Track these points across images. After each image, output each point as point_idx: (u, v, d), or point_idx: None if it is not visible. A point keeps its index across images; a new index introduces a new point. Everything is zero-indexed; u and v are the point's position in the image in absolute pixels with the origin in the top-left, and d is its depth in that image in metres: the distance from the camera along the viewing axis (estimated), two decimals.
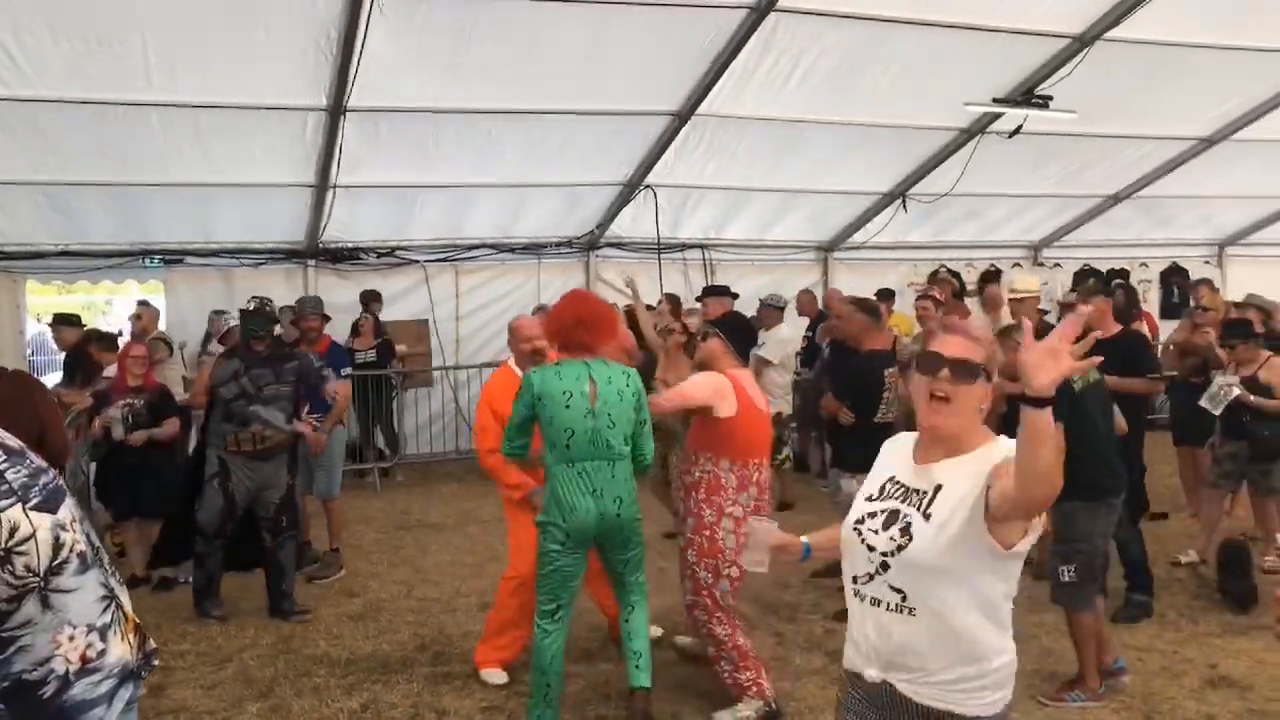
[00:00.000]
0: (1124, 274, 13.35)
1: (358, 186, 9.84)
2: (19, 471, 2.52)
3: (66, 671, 2.49)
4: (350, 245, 11.06)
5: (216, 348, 9.65)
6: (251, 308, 6.63)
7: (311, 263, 11.06)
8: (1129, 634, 5.79)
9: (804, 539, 2.92)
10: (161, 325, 10.08)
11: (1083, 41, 8.73)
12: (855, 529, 2.57)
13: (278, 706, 5.05)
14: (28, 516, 2.46)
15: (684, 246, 12.01)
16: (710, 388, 4.94)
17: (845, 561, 2.62)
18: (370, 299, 10.98)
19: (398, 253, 11.31)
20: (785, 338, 9.40)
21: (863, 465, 6.21)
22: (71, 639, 2.52)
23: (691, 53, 8.59)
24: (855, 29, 8.41)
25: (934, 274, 12.74)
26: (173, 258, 10.63)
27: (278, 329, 7.05)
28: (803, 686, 5.19)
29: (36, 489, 2.54)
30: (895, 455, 2.67)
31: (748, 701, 4.83)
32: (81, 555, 2.60)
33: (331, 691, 5.21)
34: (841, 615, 6.06)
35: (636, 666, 4.68)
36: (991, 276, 13.10)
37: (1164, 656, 5.54)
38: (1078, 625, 5.02)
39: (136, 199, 9.70)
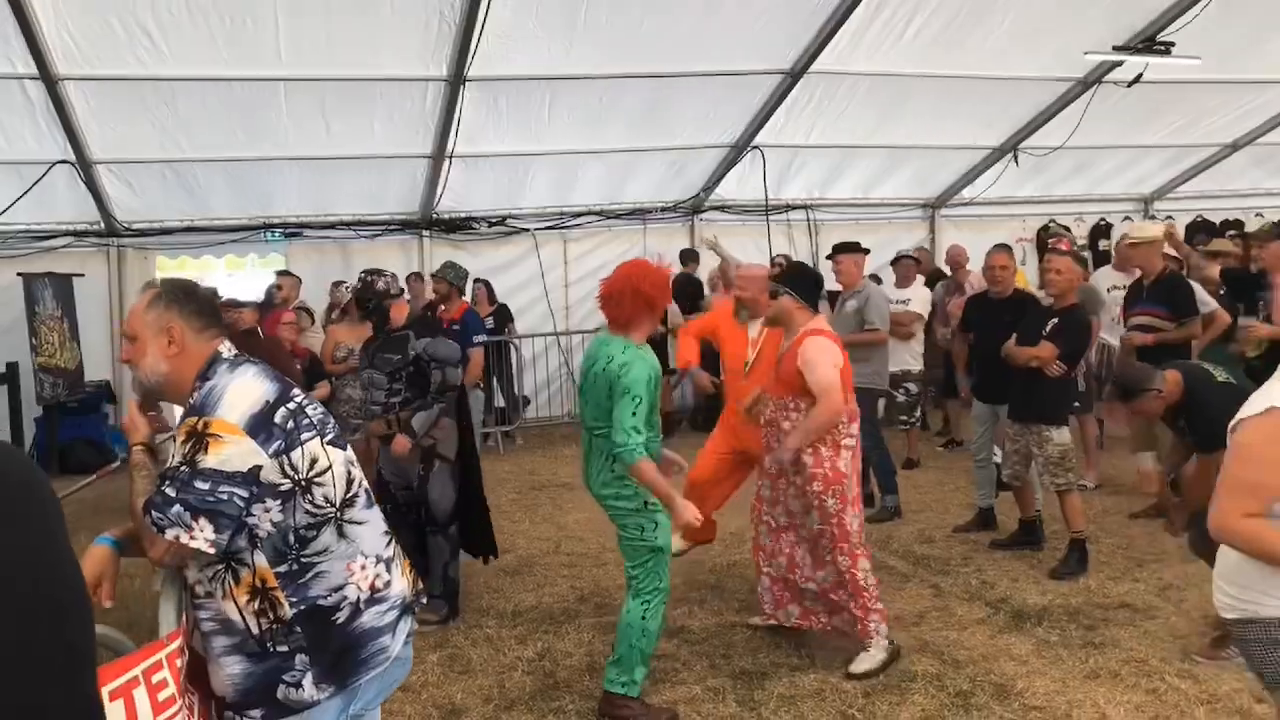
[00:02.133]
0: (1239, 225, 13.01)
1: (473, 156, 10.00)
2: (316, 408, 2.68)
3: (358, 599, 2.64)
4: (463, 215, 11.23)
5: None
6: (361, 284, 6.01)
7: (426, 233, 11.25)
8: None
9: None
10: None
11: None
12: None
13: (456, 656, 5.22)
14: (325, 450, 2.61)
15: (789, 208, 11.99)
16: (830, 357, 4.90)
17: None
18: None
19: (508, 221, 11.45)
20: (926, 295, 9.33)
21: (1064, 413, 6.22)
22: (363, 568, 2.67)
23: (805, 10, 8.56)
24: None
25: (1044, 229, 12.61)
26: (292, 231, 10.89)
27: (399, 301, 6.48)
28: (971, 636, 5.21)
29: (330, 425, 2.69)
30: None
31: (871, 648, 4.83)
32: (368, 491, 2.75)
33: (505, 641, 5.37)
34: (1056, 574, 6.03)
35: (616, 663, 4.57)
36: (1101, 231, 12.93)
37: None
38: None
39: (259, 174, 9.97)
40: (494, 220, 11.44)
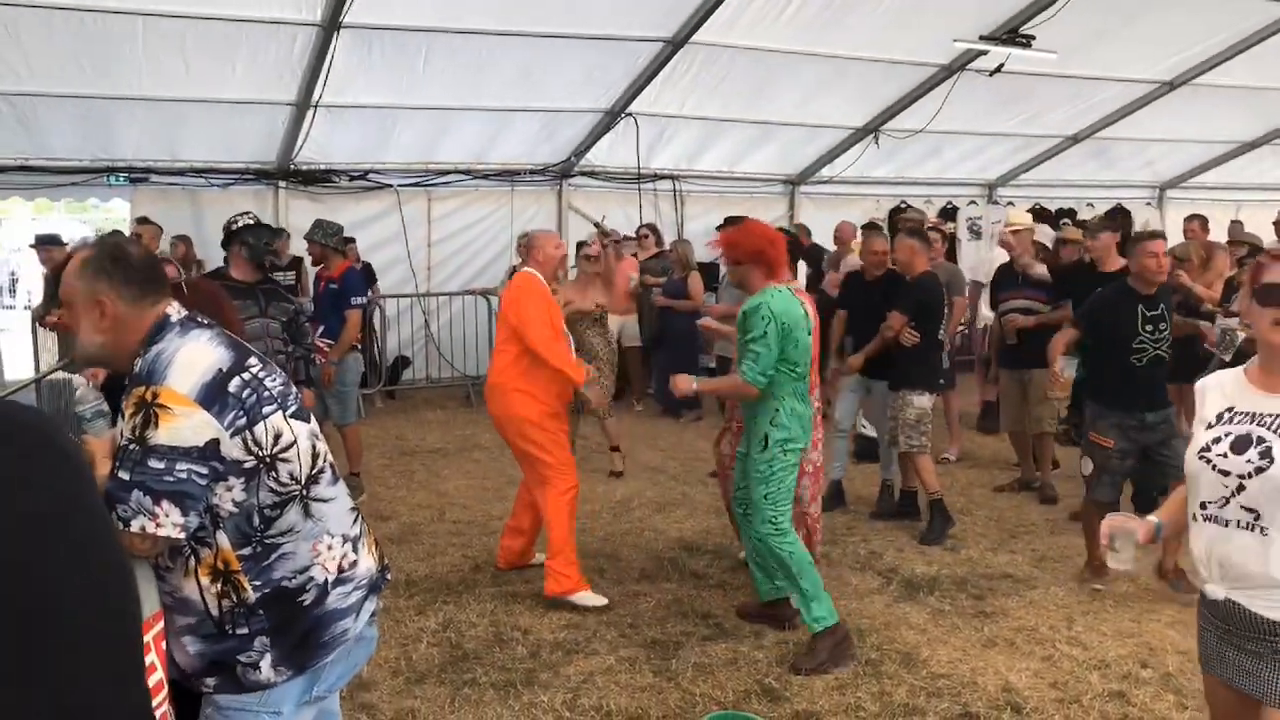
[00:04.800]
0: (1071, 213, 13.76)
1: (340, 106, 9.56)
2: (275, 379, 2.50)
3: (325, 580, 2.50)
4: (323, 167, 10.76)
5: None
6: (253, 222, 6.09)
7: (283, 184, 10.73)
8: None
9: (1153, 519, 2.99)
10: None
11: None
12: (1202, 457, 2.72)
13: None
14: (289, 424, 2.45)
15: (656, 177, 11.99)
16: None
17: (1190, 491, 2.77)
18: None
19: (371, 176, 11.05)
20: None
21: (928, 382, 6.48)
22: (330, 548, 2.53)
23: None
24: None
25: (897, 209, 13.02)
26: (138, 175, 10.20)
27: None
28: (869, 605, 5.37)
29: (291, 397, 2.52)
30: (1225, 388, 2.81)
31: None
32: (332, 466, 2.59)
33: (404, 612, 5.21)
34: (925, 539, 6.28)
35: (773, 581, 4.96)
36: (948, 214, 13.45)
37: None
38: None
39: (106, 112, 9.26)
40: (356, 174, 11.01)
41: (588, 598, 5.28)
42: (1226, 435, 2.70)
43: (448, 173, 11.29)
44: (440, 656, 4.74)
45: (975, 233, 13.52)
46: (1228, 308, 7.17)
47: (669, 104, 10.57)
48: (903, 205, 13.12)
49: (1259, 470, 2.59)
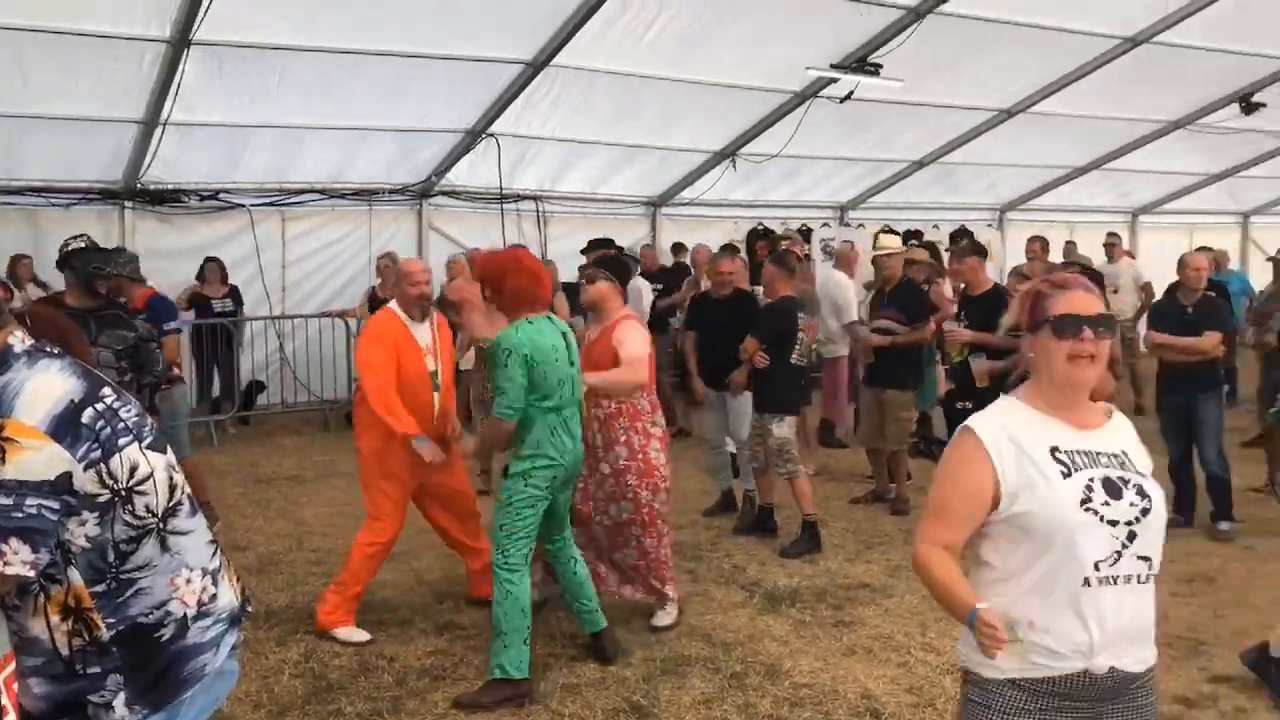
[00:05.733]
0: (918, 234, 14.29)
1: (190, 124, 9.29)
2: (130, 410, 2.43)
3: (183, 615, 2.44)
4: (172, 187, 10.41)
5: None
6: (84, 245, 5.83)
7: (129, 204, 10.34)
8: None
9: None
10: None
11: (917, 14, 9.29)
12: (1087, 509, 2.30)
13: None
14: (145, 455, 2.39)
15: (519, 198, 12.00)
16: (643, 338, 5.40)
17: (1063, 551, 2.31)
18: None
19: (222, 196, 10.74)
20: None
21: (788, 406, 6.61)
22: (189, 582, 2.46)
23: (552, 2, 8.59)
24: None
25: (754, 231, 13.33)
26: None
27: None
28: (733, 618, 5.47)
29: (147, 428, 2.46)
30: (1030, 429, 2.41)
31: (669, 607, 5.37)
32: (190, 498, 2.54)
33: (264, 644, 5.06)
34: (786, 554, 6.40)
35: (595, 613, 4.94)
36: (804, 235, 13.84)
37: None
38: None
39: None
40: (206, 194, 10.69)
41: (352, 633, 5.17)
42: (1093, 480, 2.34)
43: (303, 192, 11.08)
44: (303, 688, 4.63)
45: (829, 254, 13.92)
46: None
47: (531, 125, 10.61)
48: (760, 227, 13.44)
49: (1145, 512, 2.33)
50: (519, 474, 4.56)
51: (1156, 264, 12.49)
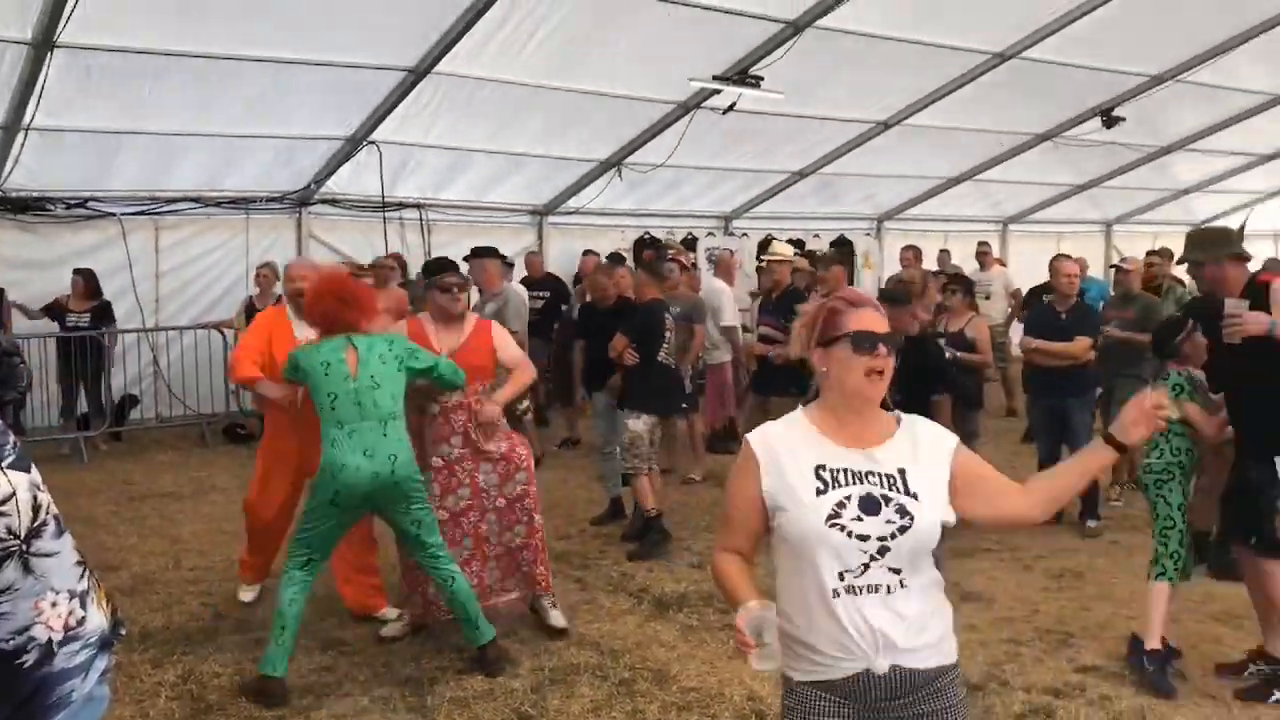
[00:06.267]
0: (800, 243, 14.61)
1: (56, 130, 8.95)
2: None
3: (49, 640, 2.35)
4: (36, 195, 9.99)
5: None
6: None
7: None
8: None
9: (754, 603, 2.42)
10: None
11: (797, 27, 9.49)
12: (834, 524, 2.41)
13: None
14: (6, 475, 2.29)
15: (402, 206, 11.86)
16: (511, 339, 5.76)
17: (813, 561, 2.42)
18: None
19: (91, 204, 10.35)
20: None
21: (648, 404, 6.73)
22: (54, 605, 2.37)
23: (434, 10, 8.52)
24: (597, 0, 8.73)
25: (641, 240, 13.42)
26: None
27: None
28: (622, 626, 5.50)
29: (8, 446, 2.36)
30: (804, 443, 2.52)
31: (556, 605, 5.50)
32: (57, 518, 2.45)
33: (139, 666, 4.89)
34: (634, 555, 6.49)
35: (477, 626, 4.92)
36: (689, 244, 14.02)
37: None
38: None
39: None
40: (74, 202, 10.29)
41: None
42: (848, 498, 2.43)
43: (176, 200, 10.76)
44: (181, 711, 4.50)
45: (714, 263, 14.11)
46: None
47: (414, 133, 10.50)
48: (646, 236, 13.53)
49: (903, 530, 2.41)
50: (314, 483, 4.74)
51: (1026, 271, 13.05)
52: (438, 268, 5.55)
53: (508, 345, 5.52)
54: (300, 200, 11.43)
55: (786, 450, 2.51)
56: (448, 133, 10.62)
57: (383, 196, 11.16)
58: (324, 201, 11.54)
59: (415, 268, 11.33)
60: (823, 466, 2.48)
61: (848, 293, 2.62)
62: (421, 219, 12.08)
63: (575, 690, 4.71)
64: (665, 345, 7.10)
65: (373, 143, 10.50)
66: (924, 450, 2.54)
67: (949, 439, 2.59)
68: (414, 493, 4.78)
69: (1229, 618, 5.53)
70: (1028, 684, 4.78)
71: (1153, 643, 4.80)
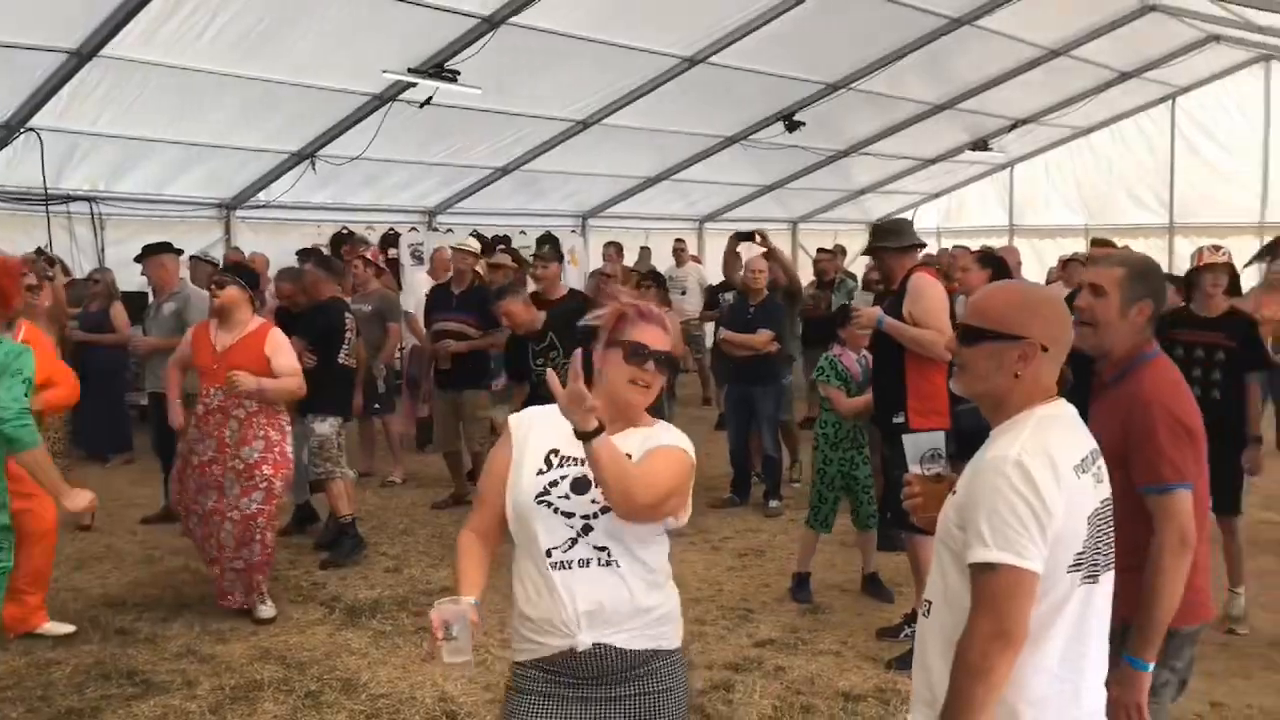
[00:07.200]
0: (506, 240, 14.63)
1: None
2: None
3: None
4: None
5: None
6: None
7: None
8: None
9: (467, 597, 2.55)
10: None
11: (492, 23, 9.48)
12: (543, 501, 2.54)
13: None
14: None
15: (69, 199, 10.91)
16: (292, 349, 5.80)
17: (529, 537, 2.54)
18: None
19: None
20: None
21: (332, 406, 6.55)
22: None
23: None
24: None
25: (339, 235, 13.01)
26: None
27: None
28: (311, 637, 5.32)
29: None
30: (547, 430, 2.61)
31: (267, 601, 5.59)
32: None
33: None
34: (327, 563, 6.30)
35: None
36: (390, 240, 13.75)
37: None
38: None
39: None
40: None
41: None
42: (564, 478, 2.57)
43: None
44: None
45: (418, 258, 13.90)
46: None
47: (79, 120, 9.68)
48: (344, 231, 13.12)
49: (605, 510, 2.51)
50: None
51: (721, 268, 13.65)
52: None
53: (282, 352, 5.55)
54: None
55: (536, 433, 2.64)
56: (121, 120, 9.85)
57: (45, 188, 10.22)
58: None
59: (88, 264, 10.54)
60: (556, 451, 2.60)
61: (643, 305, 2.69)
62: (93, 213, 11.17)
63: (258, 707, 4.51)
64: (346, 346, 6.88)
65: (32, 129, 9.59)
66: (650, 445, 2.62)
67: (673, 440, 2.64)
68: None
69: (891, 585, 6.01)
70: (709, 661, 5.01)
71: (796, 569, 5.96)
